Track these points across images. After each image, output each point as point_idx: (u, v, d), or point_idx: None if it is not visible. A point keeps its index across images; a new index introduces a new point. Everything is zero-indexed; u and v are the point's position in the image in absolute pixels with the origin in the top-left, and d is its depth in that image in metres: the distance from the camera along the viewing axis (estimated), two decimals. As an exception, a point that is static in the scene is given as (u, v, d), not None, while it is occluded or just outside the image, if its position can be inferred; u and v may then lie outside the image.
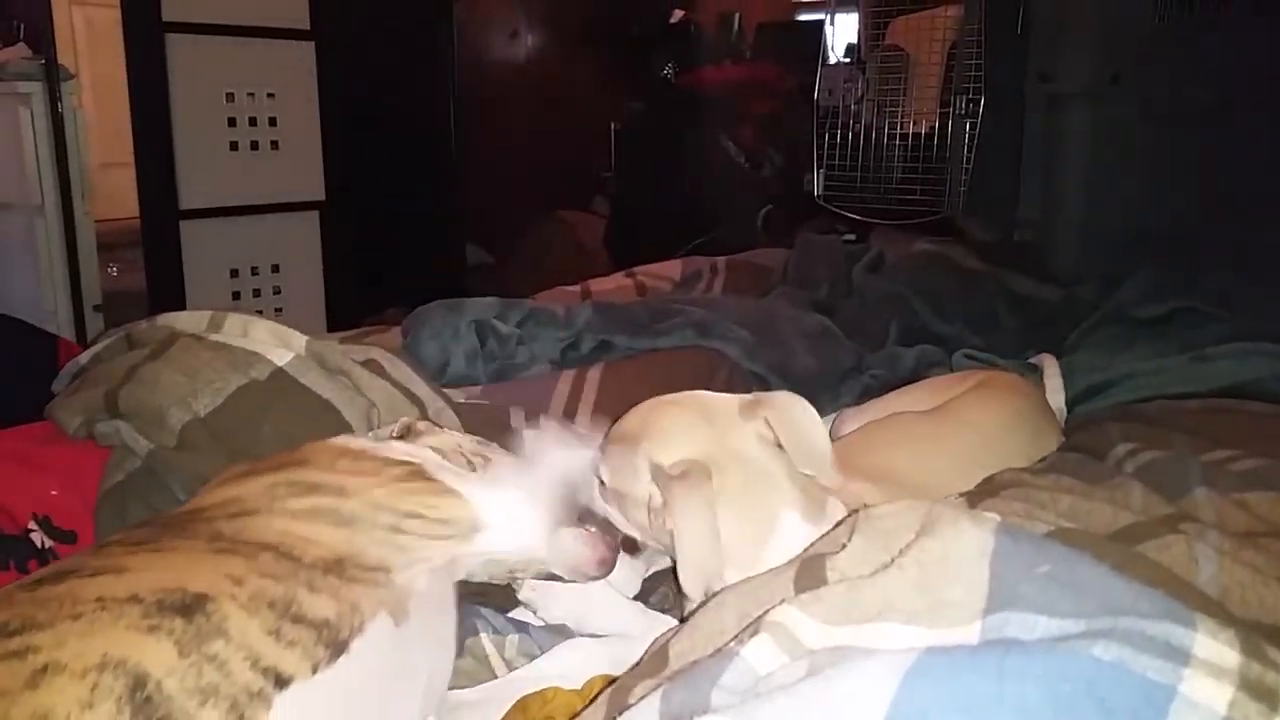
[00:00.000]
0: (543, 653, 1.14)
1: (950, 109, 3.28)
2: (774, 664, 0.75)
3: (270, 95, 3.66)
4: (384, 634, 0.91)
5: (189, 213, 3.49)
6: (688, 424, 1.16)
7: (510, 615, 1.24)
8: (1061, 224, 3.00)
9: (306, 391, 1.38)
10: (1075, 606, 0.72)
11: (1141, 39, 2.81)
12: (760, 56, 5.41)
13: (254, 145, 3.65)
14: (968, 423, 1.49)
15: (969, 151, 3.17)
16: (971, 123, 3.16)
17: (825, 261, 2.70)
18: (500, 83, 5.42)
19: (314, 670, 0.82)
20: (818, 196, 3.51)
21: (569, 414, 1.73)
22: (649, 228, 4.99)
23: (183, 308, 2.08)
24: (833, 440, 1.32)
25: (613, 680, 0.92)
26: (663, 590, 1.35)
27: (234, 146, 3.60)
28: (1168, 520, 1.14)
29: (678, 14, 5.38)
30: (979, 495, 1.25)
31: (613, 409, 1.57)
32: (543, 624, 1.22)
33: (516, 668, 1.14)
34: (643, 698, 0.78)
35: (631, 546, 1.25)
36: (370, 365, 1.50)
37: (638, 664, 0.92)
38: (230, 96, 3.56)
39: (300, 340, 1.47)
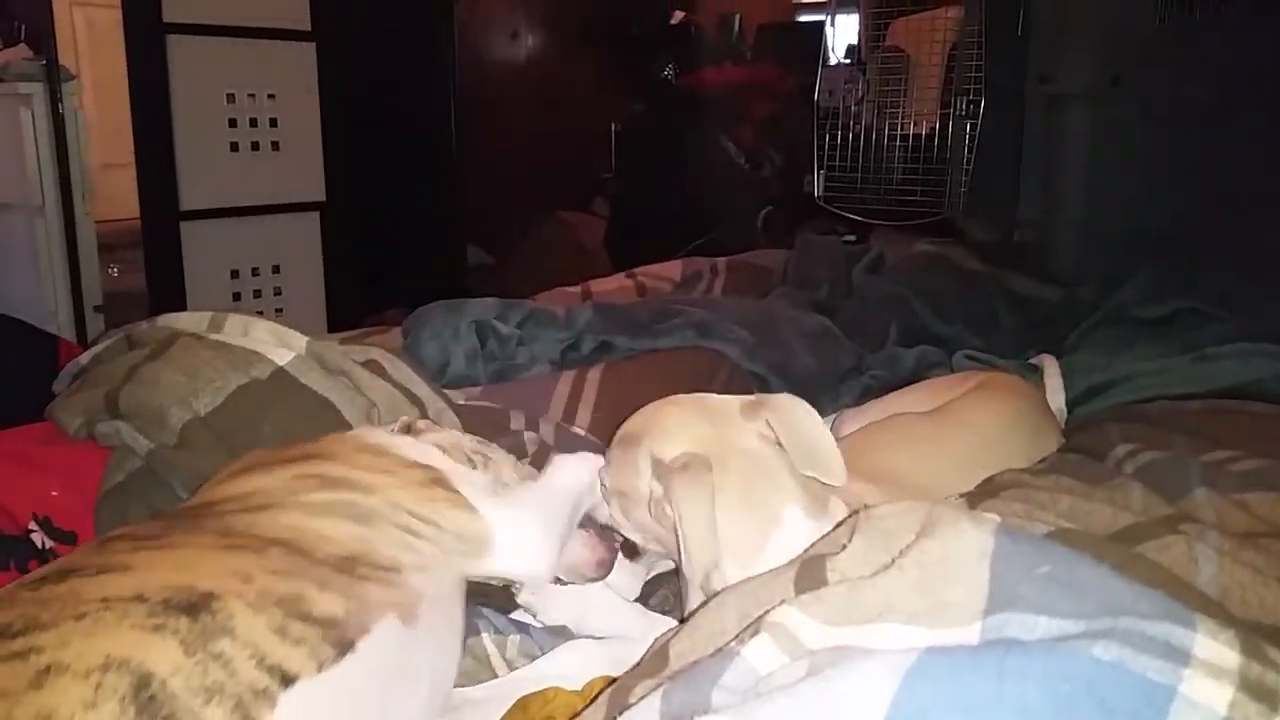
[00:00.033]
0: (543, 654, 1.15)
1: (950, 110, 3.28)
2: (774, 664, 0.75)
3: (271, 96, 3.66)
4: (391, 635, 0.90)
5: (189, 213, 3.50)
6: (689, 421, 1.17)
7: (511, 616, 1.24)
8: (1062, 225, 3.00)
9: (307, 391, 1.38)
10: (1075, 607, 0.72)
11: (1142, 40, 2.82)
12: (761, 57, 5.41)
13: (254, 146, 3.65)
14: (968, 424, 1.50)
15: (969, 152, 3.17)
16: (972, 124, 3.16)
17: (825, 262, 2.70)
18: (501, 83, 5.43)
19: (320, 669, 0.82)
20: (818, 197, 3.51)
21: (569, 415, 1.73)
22: (649, 228, 5.00)
23: (183, 308, 2.08)
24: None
25: (613, 681, 0.92)
26: (663, 592, 1.35)
27: (234, 147, 3.60)
28: (1168, 521, 1.14)
29: (678, 15, 5.38)
30: (979, 496, 1.25)
31: (613, 410, 1.58)
32: (542, 626, 1.23)
33: (517, 668, 1.14)
34: (643, 697, 0.78)
35: (632, 550, 1.25)
36: (371, 365, 1.50)
37: (638, 664, 0.92)
38: (231, 97, 3.57)
39: (300, 340, 1.47)
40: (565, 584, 1.20)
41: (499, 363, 1.91)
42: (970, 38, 3.19)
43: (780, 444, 1.14)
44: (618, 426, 1.25)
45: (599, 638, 1.17)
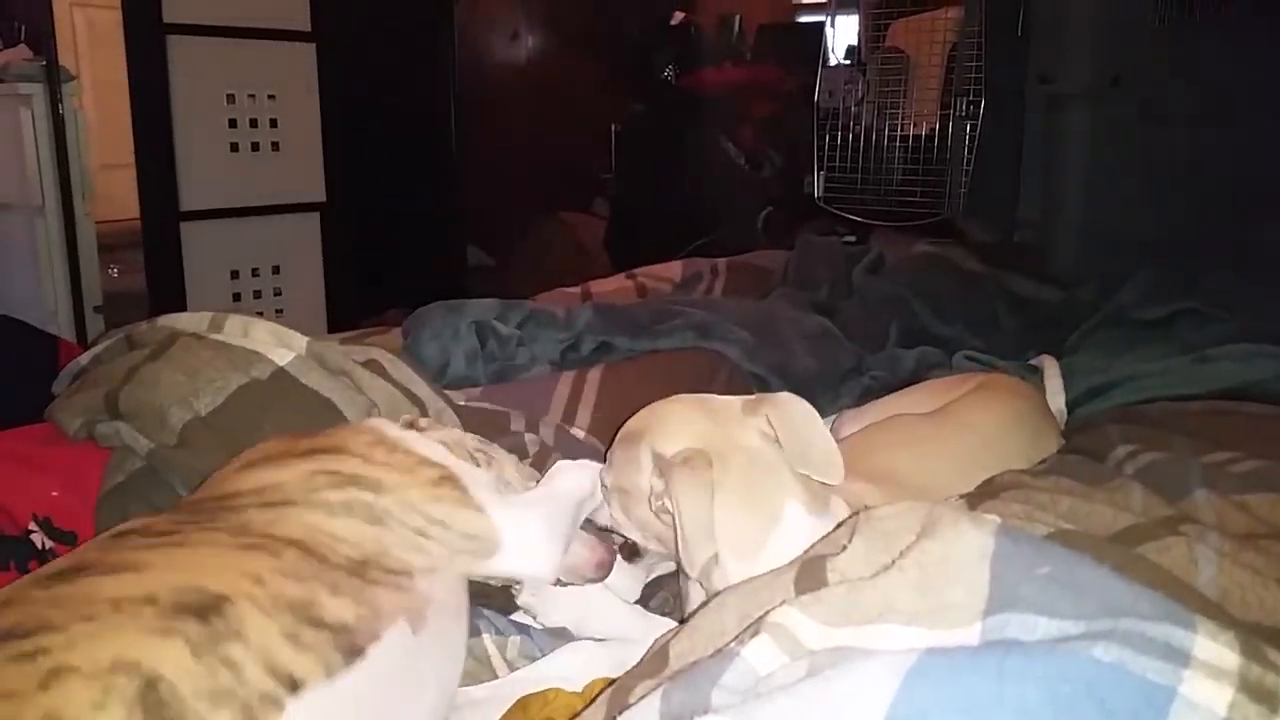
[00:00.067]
0: (543, 655, 1.15)
1: (950, 111, 3.28)
2: (774, 664, 0.75)
3: (271, 97, 3.66)
4: (401, 641, 0.90)
5: (189, 214, 3.50)
6: (690, 418, 1.17)
7: (511, 617, 1.24)
8: (1062, 225, 3.00)
9: (307, 391, 1.38)
10: (1075, 608, 0.72)
11: (1141, 40, 2.82)
12: (761, 58, 5.41)
13: (255, 146, 3.65)
14: (968, 425, 1.50)
15: (969, 153, 3.17)
16: (972, 124, 3.16)
17: (825, 263, 2.70)
18: (501, 84, 5.43)
19: (329, 676, 0.82)
20: (818, 198, 3.52)
21: (569, 415, 1.73)
22: (649, 229, 5.00)
23: (183, 309, 2.08)
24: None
25: (613, 682, 0.92)
26: (663, 594, 1.35)
27: (234, 148, 3.60)
28: (1168, 522, 1.14)
29: (678, 15, 5.38)
30: (979, 497, 1.25)
31: (613, 410, 1.58)
32: (542, 627, 1.23)
33: (517, 669, 1.14)
34: (643, 697, 0.78)
35: (631, 553, 1.25)
36: (371, 365, 1.50)
37: (638, 664, 0.92)
38: (231, 98, 3.57)
39: (301, 340, 1.47)
40: (565, 585, 1.20)
41: (499, 363, 1.91)
42: (970, 38, 3.19)
43: (779, 442, 1.14)
44: (618, 427, 1.25)
45: (599, 639, 1.17)
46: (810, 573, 0.86)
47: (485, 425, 1.49)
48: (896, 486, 1.27)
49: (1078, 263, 2.88)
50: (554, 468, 1.28)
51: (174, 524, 0.92)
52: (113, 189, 4.05)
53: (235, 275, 3.68)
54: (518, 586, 1.23)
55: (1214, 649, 0.67)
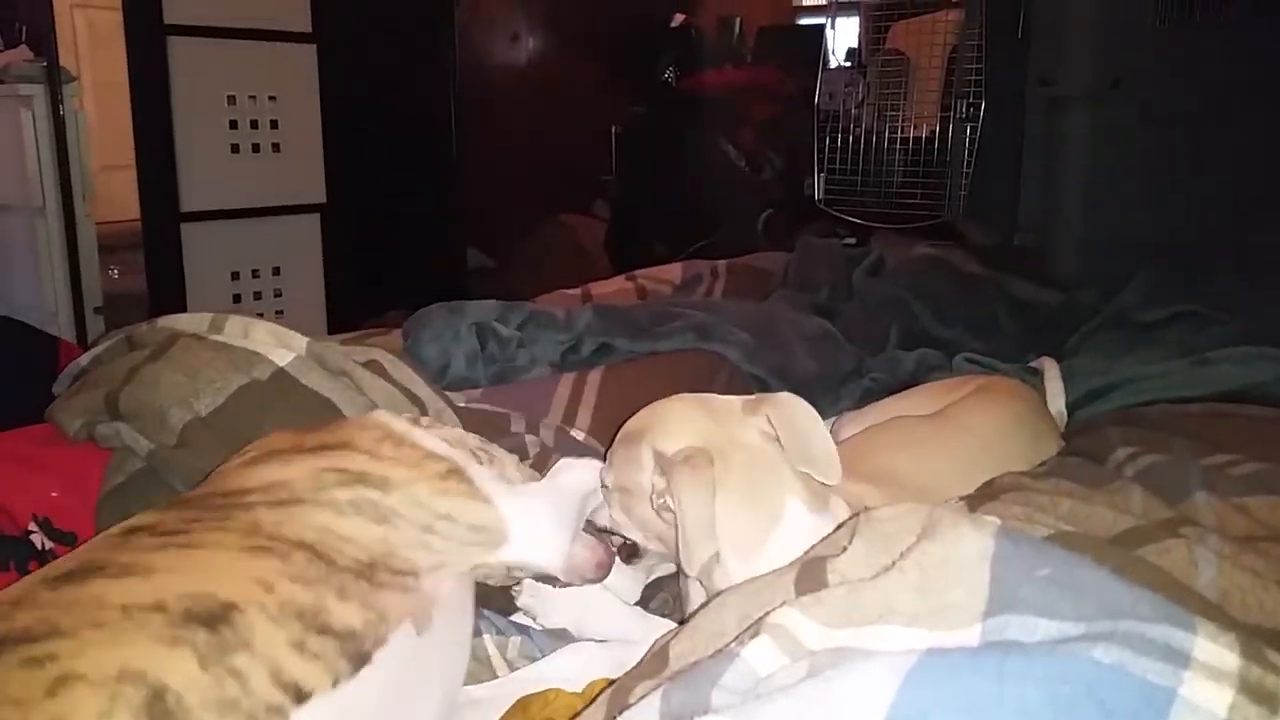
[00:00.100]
0: (543, 656, 1.15)
1: (951, 113, 3.28)
2: (774, 665, 0.75)
3: (271, 98, 3.66)
4: (406, 644, 0.90)
5: (190, 215, 3.50)
6: (691, 417, 1.18)
7: (511, 618, 1.24)
8: (1062, 228, 3.00)
9: (308, 391, 1.38)
10: (1075, 609, 0.72)
11: (1142, 42, 2.82)
12: (761, 60, 5.42)
13: (255, 148, 3.65)
14: (967, 427, 1.50)
15: (969, 155, 3.17)
16: (972, 127, 3.16)
17: (826, 265, 2.70)
18: (501, 85, 5.43)
19: (334, 684, 0.82)
20: (818, 200, 3.52)
21: (569, 417, 1.73)
22: (649, 231, 5.00)
23: (183, 310, 2.08)
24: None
25: (613, 682, 0.92)
26: (663, 596, 1.35)
27: (235, 149, 3.60)
28: (1168, 524, 1.13)
29: (679, 18, 5.38)
30: (979, 499, 1.25)
31: (613, 412, 1.58)
32: (542, 629, 1.23)
33: (518, 669, 1.14)
34: (643, 698, 0.78)
35: (630, 554, 1.25)
36: (371, 366, 1.50)
37: (638, 665, 0.92)
38: (231, 99, 3.57)
39: (301, 341, 1.47)
40: (564, 586, 1.20)
41: (499, 365, 1.91)
42: (970, 40, 3.19)
43: (779, 441, 1.15)
44: (618, 428, 1.25)
45: (599, 640, 1.17)
46: (810, 574, 0.86)
47: (485, 426, 1.49)
48: (897, 488, 1.27)
49: (1078, 265, 2.88)
50: (558, 464, 1.28)
51: (183, 522, 0.91)
52: (113, 190, 4.05)
53: (235, 276, 3.68)
54: (517, 588, 1.23)
55: (1214, 650, 0.67)
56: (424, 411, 1.47)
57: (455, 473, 1.07)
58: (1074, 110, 2.93)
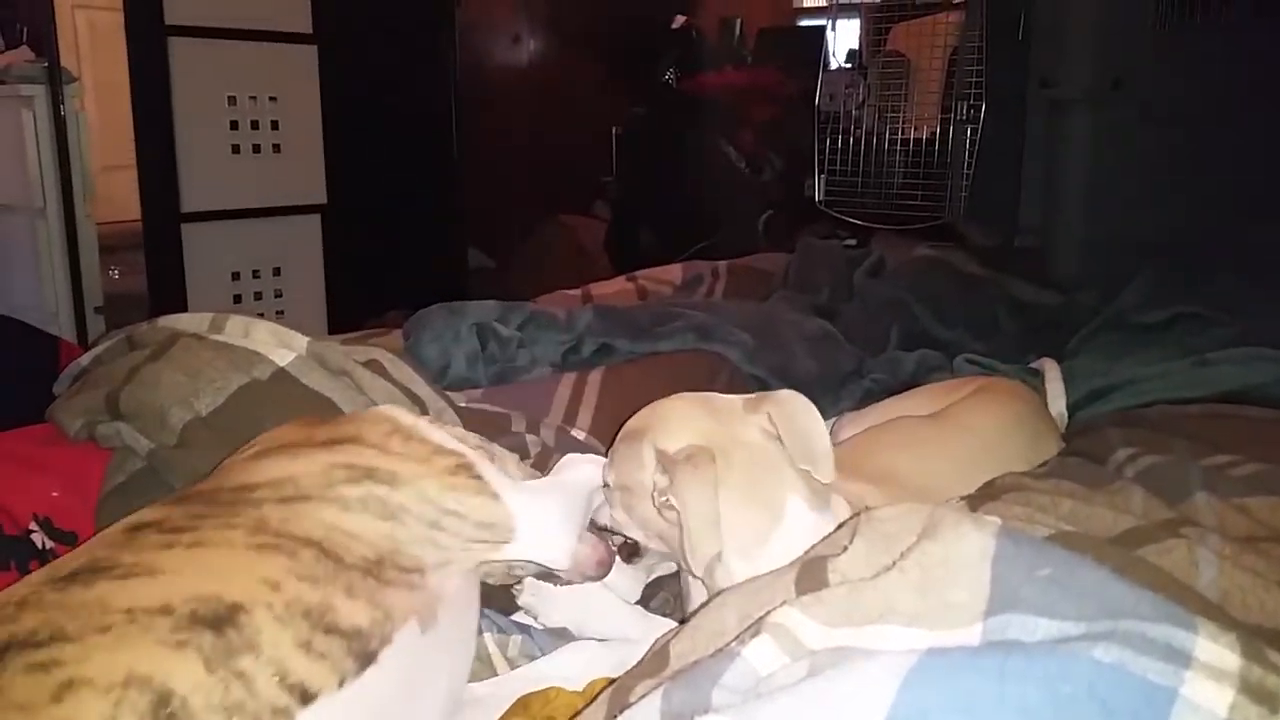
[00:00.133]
0: (544, 654, 1.15)
1: (951, 114, 3.29)
2: (775, 664, 0.75)
3: (272, 98, 3.67)
4: (411, 642, 0.90)
5: (190, 215, 3.50)
6: (692, 415, 1.18)
7: (512, 618, 1.24)
8: (1062, 229, 3.00)
9: (308, 391, 1.38)
10: (1076, 609, 0.72)
11: (1142, 43, 2.82)
12: (761, 62, 5.42)
13: (256, 148, 3.65)
14: (968, 427, 1.50)
15: (970, 157, 3.18)
16: (972, 128, 3.17)
17: (826, 266, 2.70)
18: (502, 86, 5.43)
19: (340, 684, 0.82)
20: (819, 201, 3.52)
21: (570, 417, 1.73)
22: (650, 232, 5.00)
23: (184, 310, 2.08)
24: (832, 445, 1.33)
25: (614, 681, 0.92)
26: (663, 595, 1.35)
27: (236, 149, 3.60)
28: (1168, 524, 1.13)
29: (679, 19, 5.39)
30: (980, 499, 1.25)
31: (614, 412, 1.58)
32: (543, 628, 1.23)
33: (518, 668, 1.14)
34: (644, 696, 0.78)
35: (631, 553, 1.25)
36: (372, 366, 1.50)
37: (639, 664, 0.92)
38: (232, 99, 3.57)
39: (301, 341, 1.47)
40: (565, 584, 1.20)
41: (500, 365, 1.91)
42: (971, 42, 3.19)
43: (780, 439, 1.15)
44: (619, 428, 1.25)
45: (600, 639, 1.17)
46: (811, 573, 0.86)
47: (486, 426, 1.49)
48: (898, 487, 1.28)
49: (1079, 266, 2.88)
50: (563, 461, 1.28)
51: (190, 518, 0.91)
52: (114, 190, 4.05)
53: (236, 277, 3.68)
54: (518, 587, 1.23)
55: (1215, 650, 0.66)
56: (424, 410, 1.47)
57: (464, 467, 1.07)
58: (1074, 112, 2.93)
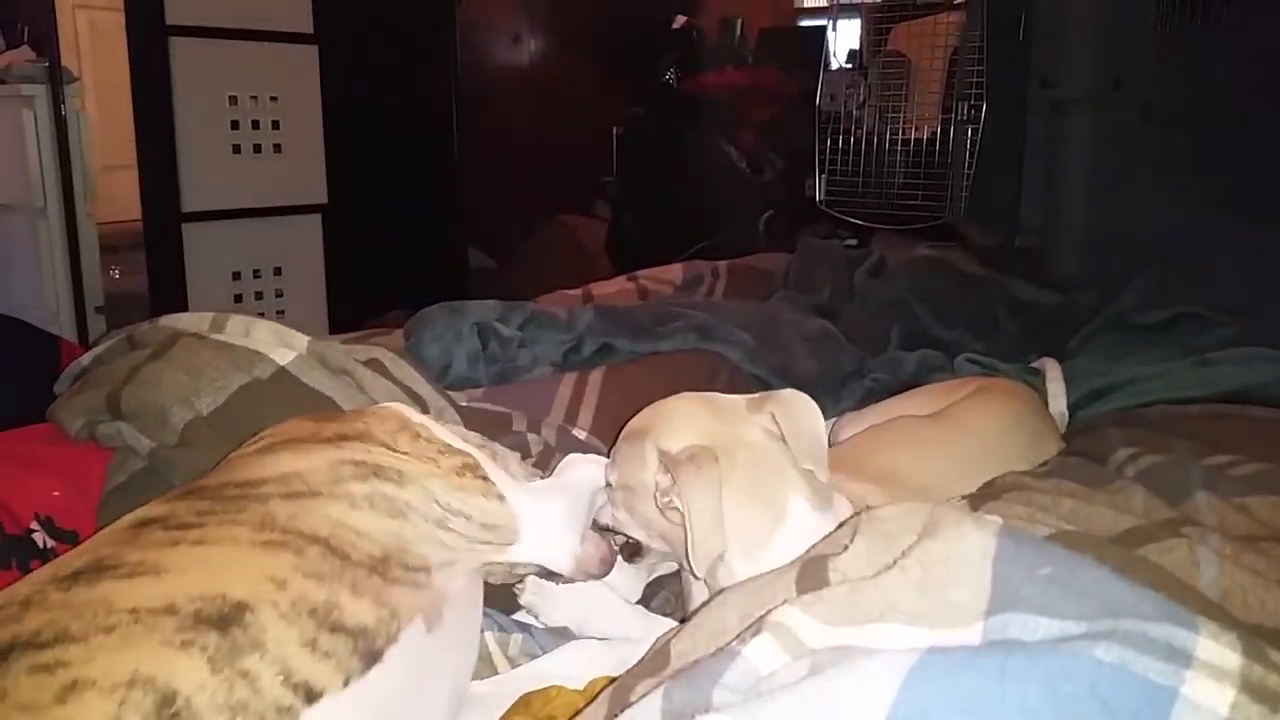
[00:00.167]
0: (545, 653, 1.15)
1: (952, 114, 3.29)
2: (776, 663, 0.75)
3: (273, 98, 3.67)
4: (417, 641, 0.90)
5: (191, 215, 3.50)
6: (695, 414, 1.18)
7: (513, 616, 1.24)
8: (1063, 229, 3.01)
9: (309, 390, 1.38)
10: (1077, 608, 0.72)
11: (1143, 44, 2.82)
12: (762, 62, 5.42)
13: (256, 148, 3.66)
14: (968, 427, 1.50)
15: (970, 157, 3.18)
16: (973, 128, 3.17)
17: (826, 266, 2.70)
18: (502, 86, 5.43)
19: (345, 683, 0.81)
20: (819, 201, 3.52)
21: (571, 417, 1.73)
22: (650, 232, 5.00)
23: (185, 310, 2.08)
24: (832, 444, 1.33)
25: (615, 680, 0.92)
26: (664, 594, 1.35)
27: (236, 149, 3.61)
28: (1169, 524, 1.13)
29: (680, 19, 5.39)
30: (981, 498, 1.25)
31: (615, 412, 1.58)
32: (544, 627, 1.23)
33: (519, 666, 1.14)
34: (644, 695, 0.78)
35: (633, 552, 1.25)
36: (373, 365, 1.50)
37: (639, 662, 0.92)
38: (233, 99, 3.57)
39: (302, 340, 1.47)
40: (565, 581, 1.21)
41: (501, 365, 1.91)
42: (972, 42, 3.20)
43: (784, 439, 1.15)
44: (620, 428, 1.25)
45: (601, 638, 1.17)
46: (812, 572, 0.86)
47: (487, 426, 1.49)
48: (898, 487, 1.28)
49: (1079, 266, 2.88)
50: (565, 461, 1.28)
51: (195, 515, 0.90)
52: (114, 190, 4.05)
53: (237, 276, 3.68)
54: (520, 586, 1.23)
55: (1216, 650, 0.66)
56: (425, 409, 1.47)
57: (470, 468, 1.07)
58: (1075, 112, 2.93)
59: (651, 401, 1.25)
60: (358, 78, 3.96)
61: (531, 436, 1.56)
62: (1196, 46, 2.75)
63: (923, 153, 3.38)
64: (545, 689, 1.05)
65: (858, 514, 0.93)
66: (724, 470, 1.08)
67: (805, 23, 5.96)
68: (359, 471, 0.98)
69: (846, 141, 3.47)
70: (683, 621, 1.03)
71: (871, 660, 0.69)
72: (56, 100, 3.39)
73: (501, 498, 1.07)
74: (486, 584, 1.17)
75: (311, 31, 3.73)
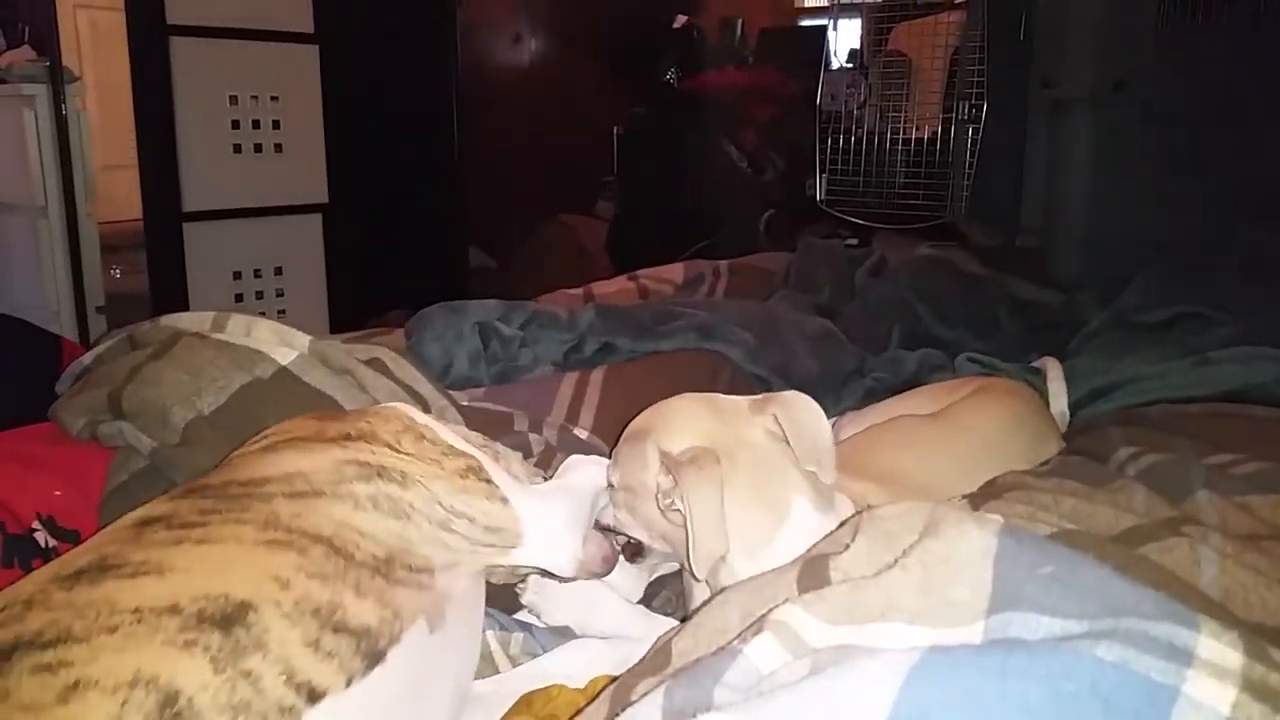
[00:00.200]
0: (546, 652, 1.15)
1: (953, 114, 3.29)
2: (777, 662, 0.75)
3: (274, 98, 3.67)
4: (420, 641, 0.90)
5: (192, 215, 3.50)
6: (696, 415, 1.18)
7: (514, 616, 1.25)
8: (1063, 229, 3.00)
9: (310, 390, 1.38)
10: (1078, 607, 0.72)
11: (1144, 44, 2.82)
12: (763, 61, 5.41)
13: (257, 148, 3.66)
14: (969, 426, 1.50)
15: (971, 157, 3.18)
16: (974, 128, 3.17)
17: (827, 265, 2.70)
18: (503, 86, 5.43)
19: (348, 683, 0.81)
20: (820, 201, 3.52)
21: (572, 416, 1.74)
22: (651, 231, 5.00)
23: (185, 309, 2.08)
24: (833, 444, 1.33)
25: (616, 679, 0.92)
26: (666, 594, 1.35)
27: (237, 149, 3.61)
28: (1170, 523, 1.14)
29: (680, 19, 5.39)
30: (982, 497, 1.25)
31: (616, 411, 1.58)
32: (545, 626, 1.23)
33: (520, 666, 1.14)
34: (645, 694, 0.78)
35: (634, 552, 1.26)
36: (374, 364, 1.50)
37: (640, 661, 0.92)
38: (234, 99, 3.58)
39: (303, 339, 1.47)
40: (567, 580, 1.21)
41: (502, 364, 1.91)
42: (972, 42, 3.19)
43: (787, 440, 1.15)
44: (621, 427, 1.25)
45: (602, 638, 1.17)
46: (813, 571, 0.86)
47: (488, 425, 1.49)
48: (899, 486, 1.27)
49: (1080, 266, 2.88)
50: (566, 462, 1.28)
51: (199, 513, 0.90)
52: (115, 189, 4.05)
53: (237, 276, 3.68)
54: (521, 585, 1.23)
55: (1217, 649, 0.66)
56: (426, 409, 1.47)
57: (474, 470, 1.07)
58: (1076, 112, 2.93)
59: (653, 400, 1.24)
60: (358, 77, 3.96)
61: (533, 436, 1.56)
62: (1197, 46, 2.75)
63: (923, 152, 3.38)
64: (546, 688, 1.05)
65: (859, 513, 0.93)
66: (726, 471, 1.08)
67: (806, 22, 5.96)
68: (363, 472, 0.98)
69: (847, 141, 3.47)
70: (684, 620, 1.03)
71: (873, 659, 0.69)
72: (57, 100, 3.39)
73: (505, 501, 1.07)
74: (488, 583, 1.17)
75: (312, 31, 3.74)
